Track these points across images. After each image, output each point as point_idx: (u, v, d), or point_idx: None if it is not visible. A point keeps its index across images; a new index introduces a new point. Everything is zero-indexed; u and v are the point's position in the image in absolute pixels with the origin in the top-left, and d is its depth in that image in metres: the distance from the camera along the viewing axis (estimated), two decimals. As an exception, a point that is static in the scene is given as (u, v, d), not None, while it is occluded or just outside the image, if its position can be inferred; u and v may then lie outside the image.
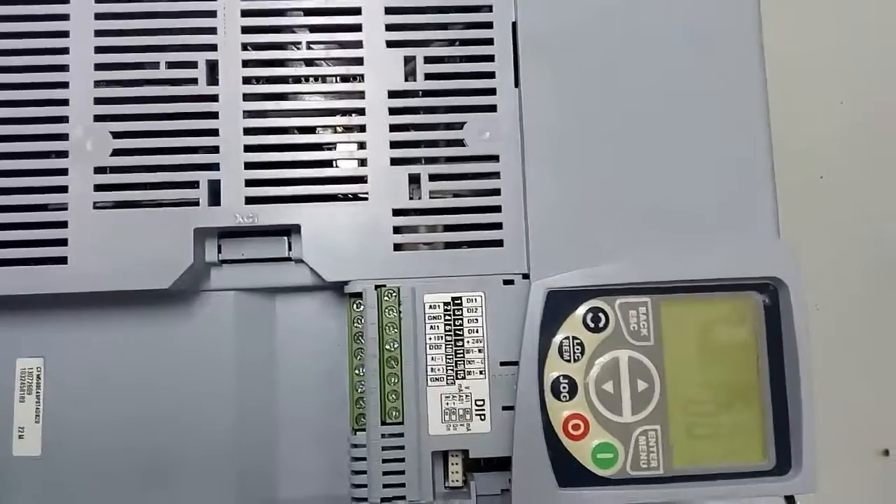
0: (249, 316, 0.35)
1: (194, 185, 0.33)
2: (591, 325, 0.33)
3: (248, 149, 0.34)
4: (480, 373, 0.33)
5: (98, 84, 0.34)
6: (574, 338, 0.33)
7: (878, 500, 0.53)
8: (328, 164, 0.34)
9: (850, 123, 0.54)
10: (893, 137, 0.54)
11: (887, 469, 0.53)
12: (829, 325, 0.51)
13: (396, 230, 0.34)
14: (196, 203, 0.33)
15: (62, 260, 0.32)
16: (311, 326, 0.35)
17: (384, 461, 0.32)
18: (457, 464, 0.33)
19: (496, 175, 0.34)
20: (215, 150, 0.33)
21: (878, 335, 0.53)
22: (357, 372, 0.34)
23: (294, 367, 0.35)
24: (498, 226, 0.34)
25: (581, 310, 0.33)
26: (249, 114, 0.34)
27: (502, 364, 0.33)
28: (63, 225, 0.33)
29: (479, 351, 0.33)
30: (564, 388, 0.33)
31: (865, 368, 0.53)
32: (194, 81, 0.34)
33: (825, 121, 0.54)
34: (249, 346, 0.35)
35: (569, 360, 0.33)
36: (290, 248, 0.34)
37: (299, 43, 0.34)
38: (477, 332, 0.33)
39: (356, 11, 0.34)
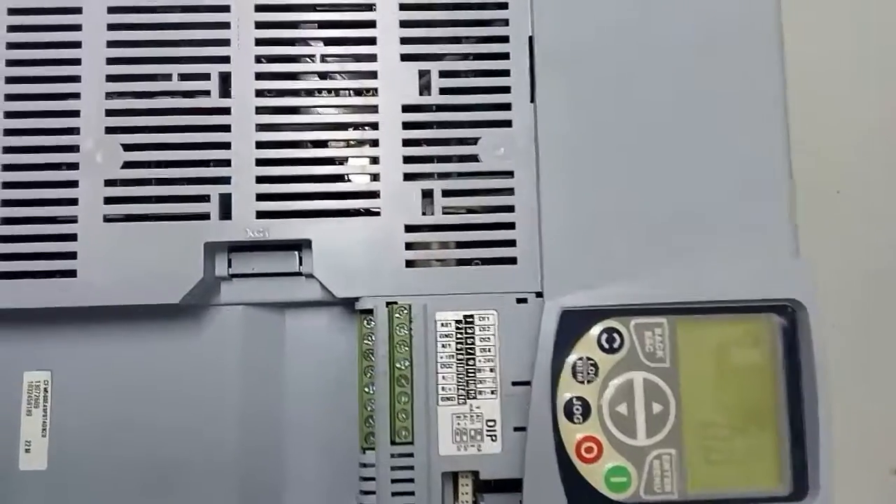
0: (259, 330, 0.34)
1: (205, 198, 0.33)
2: (606, 345, 0.32)
3: (260, 162, 0.33)
4: (492, 392, 0.33)
5: (109, 96, 0.33)
6: (588, 358, 0.32)
7: (892, 521, 0.53)
8: (340, 178, 0.34)
9: (867, 136, 0.54)
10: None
11: (900, 488, 0.52)
12: (846, 343, 0.50)
13: (408, 246, 0.33)
14: (207, 217, 0.33)
15: (71, 273, 0.32)
16: (320, 342, 0.35)
17: (393, 481, 0.32)
18: (467, 485, 0.33)
19: (510, 191, 0.34)
20: (227, 163, 0.33)
21: (890, 352, 0.53)
22: (367, 390, 0.33)
23: (303, 382, 0.35)
24: (511, 243, 0.33)
25: (595, 330, 0.33)
26: (262, 127, 0.33)
27: (514, 384, 0.33)
28: (72, 238, 0.32)
29: (491, 370, 0.33)
30: (578, 409, 0.32)
31: (879, 385, 0.52)
32: (207, 94, 0.33)
33: (842, 132, 0.53)
34: (258, 360, 0.34)
35: (582, 382, 0.32)
36: (300, 263, 0.34)
37: (313, 56, 0.34)
38: (489, 350, 0.33)
39: (371, 24, 0.34)
